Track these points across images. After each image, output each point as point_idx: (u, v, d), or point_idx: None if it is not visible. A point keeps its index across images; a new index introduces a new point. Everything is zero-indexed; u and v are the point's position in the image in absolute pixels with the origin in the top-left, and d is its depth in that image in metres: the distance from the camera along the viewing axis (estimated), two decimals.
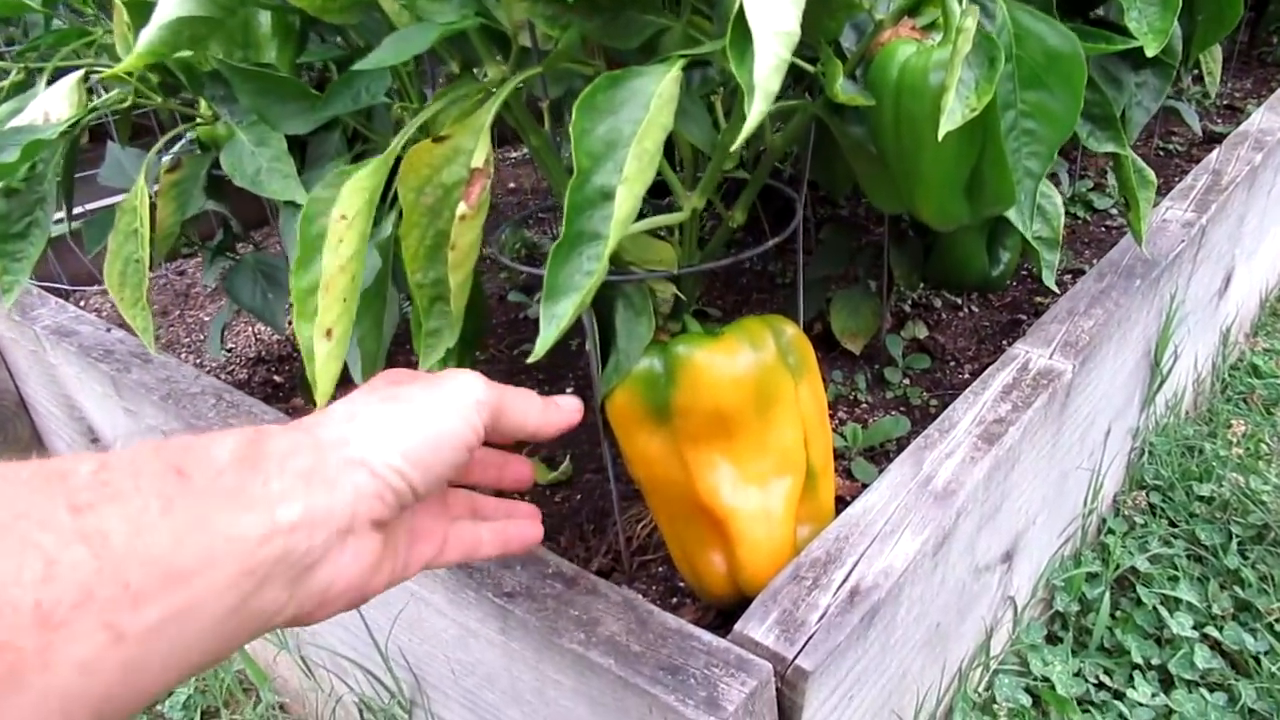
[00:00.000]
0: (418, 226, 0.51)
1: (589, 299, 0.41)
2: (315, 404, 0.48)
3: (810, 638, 0.52)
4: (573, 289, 0.41)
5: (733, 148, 0.39)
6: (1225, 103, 1.74)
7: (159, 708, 0.95)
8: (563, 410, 0.49)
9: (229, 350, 1.19)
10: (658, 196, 0.79)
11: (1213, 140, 1.57)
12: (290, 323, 1.16)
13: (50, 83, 0.76)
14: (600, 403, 0.64)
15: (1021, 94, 0.51)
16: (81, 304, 1.43)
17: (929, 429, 0.69)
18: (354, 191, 0.44)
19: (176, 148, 1.08)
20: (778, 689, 0.51)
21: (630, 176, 0.42)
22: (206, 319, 1.32)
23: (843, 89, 0.49)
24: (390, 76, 0.57)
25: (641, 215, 0.56)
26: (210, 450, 0.34)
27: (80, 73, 0.69)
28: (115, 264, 0.67)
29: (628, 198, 0.42)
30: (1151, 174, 0.85)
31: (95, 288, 1.43)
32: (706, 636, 0.52)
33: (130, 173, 0.96)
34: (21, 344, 1.09)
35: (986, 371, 0.75)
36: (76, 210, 1.26)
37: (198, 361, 1.20)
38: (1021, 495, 0.74)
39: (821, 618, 0.53)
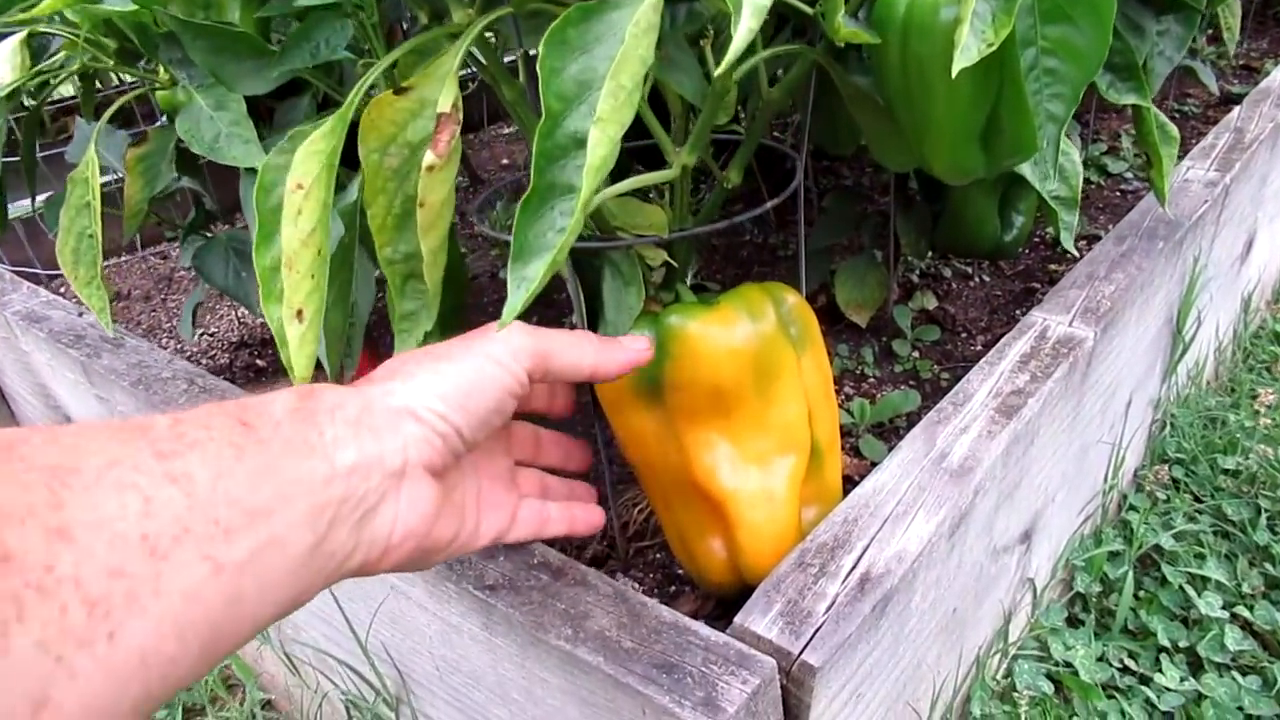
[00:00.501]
0: (383, 192, 0.46)
1: (561, 259, 0.36)
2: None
3: (817, 630, 0.47)
4: (544, 249, 0.36)
5: (719, 70, 0.34)
6: (1241, 63, 1.68)
7: None
8: (628, 350, 0.49)
9: (211, 335, 1.15)
10: (647, 163, 0.75)
11: (1229, 101, 1.52)
12: None
13: None
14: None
15: (1043, 29, 0.46)
16: (63, 290, 1.39)
17: (942, 402, 0.64)
18: (309, 156, 0.40)
19: (146, 137, 1.03)
20: (783, 686, 0.47)
21: (604, 116, 0.37)
22: (182, 300, 1.27)
23: (843, 24, 0.44)
24: (352, 30, 0.52)
25: (626, 177, 0.51)
26: (267, 406, 0.36)
27: (23, 33, 0.64)
28: (68, 240, 0.62)
29: (602, 141, 0.37)
30: (1174, 129, 0.80)
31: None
32: (704, 630, 0.48)
33: (103, 150, 0.92)
34: None
35: (1002, 340, 0.71)
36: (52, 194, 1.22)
37: (178, 347, 1.16)
38: (1041, 471, 0.70)
39: (829, 608, 0.49)
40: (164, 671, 0.29)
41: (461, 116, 0.42)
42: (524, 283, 0.36)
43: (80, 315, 0.95)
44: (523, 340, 0.44)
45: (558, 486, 0.55)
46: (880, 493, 0.56)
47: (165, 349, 0.84)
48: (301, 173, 0.40)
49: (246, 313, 1.18)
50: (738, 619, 0.49)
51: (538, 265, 0.36)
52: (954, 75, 0.41)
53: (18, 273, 1.09)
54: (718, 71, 0.35)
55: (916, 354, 0.93)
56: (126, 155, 0.82)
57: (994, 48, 0.41)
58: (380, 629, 0.65)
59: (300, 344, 0.39)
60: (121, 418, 0.34)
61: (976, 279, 1.08)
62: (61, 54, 0.64)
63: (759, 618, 0.48)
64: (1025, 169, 0.72)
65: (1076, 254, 0.79)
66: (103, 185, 0.68)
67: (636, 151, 0.69)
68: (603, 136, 0.35)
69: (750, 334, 0.52)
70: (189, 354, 1.12)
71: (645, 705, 0.45)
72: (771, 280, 0.59)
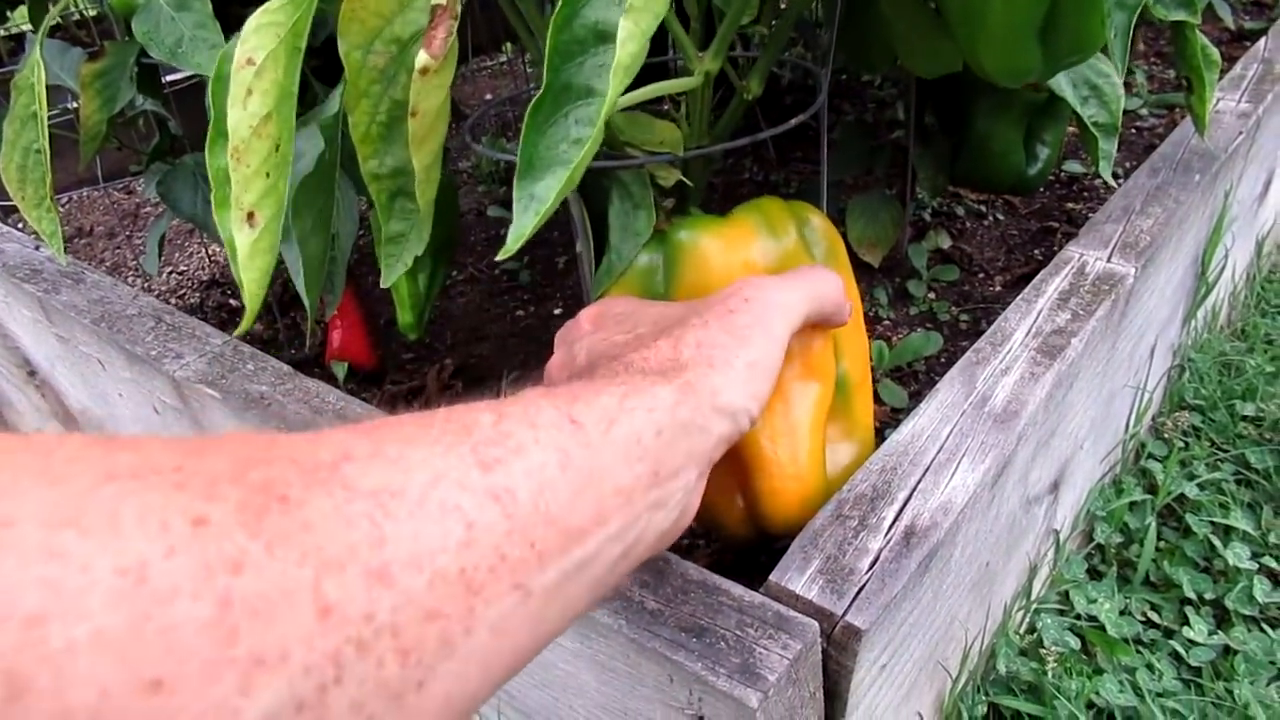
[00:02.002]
0: (367, 96, 0.40)
1: (578, 176, 0.31)
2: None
3: (861, 589, 0.43)
4: (556, 163, 0.30)
5: None
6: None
7: None
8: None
9: (180, 273, 1.08)
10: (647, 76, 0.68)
11: (1243, 37, 1.46)
12: None
13: None
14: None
15: None
16: (20, 226, 1.31)
17: (979, 343, 0.60)
18: (262, 27, 0.33)
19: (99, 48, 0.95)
20: (824, 651, 0.42)
21: (637, 4, 0.31)
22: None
23: None
24: None
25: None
26: (599, 398, 0.33)
27: None
28: (12, 156, 0.55)
29: (634, 34, 0.31)
30: (1215, 53, 0.75)
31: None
32: (737, 590, 0.43)
33: (52, 67, 0.84)
34: None
35: (1039, 276, 0.66)
36: None
37: (145, 286, 1.09)
38: (1075, 417, 0.66)
39: (873, 564, 0.44)
40: (463, 710, 0.26)
41: (460, 10, 0.36)
42: (533, 203, 0.31)
43: (37, 248, 0.88)
44: (804, 314, 0.43)
45: None
46: (920, 439, 0.52)
47: (122, 284, 0.77)
48: (253, 45, 0.33)
49: (218, 250, 1.11)
50: (774, 576, 0.44)
51: (550, 182, 0.31)
52: None
53: None
54: None
55: (933, 295, 0.88)
56: (81, 72, 0.75)
57: None
58: None
59: (251, 254, 0.33)
60: (445, 410, 0.30)
61: (990, 218, 1.03)
62: None
63: (796, 575, 0.44)
64: (1066, 90, 0.67)
65: (1114, 184, 0.74)
66: (60, 111, 0.61)
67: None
68: (634, 29, 0.29)
69: (769, 250, 0.47)
70: (157, 293, 1.05)
71: (674, 672, 0.41)
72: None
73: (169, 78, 0.89)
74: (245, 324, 0.33)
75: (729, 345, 0.39)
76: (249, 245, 0.33)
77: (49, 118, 0.66)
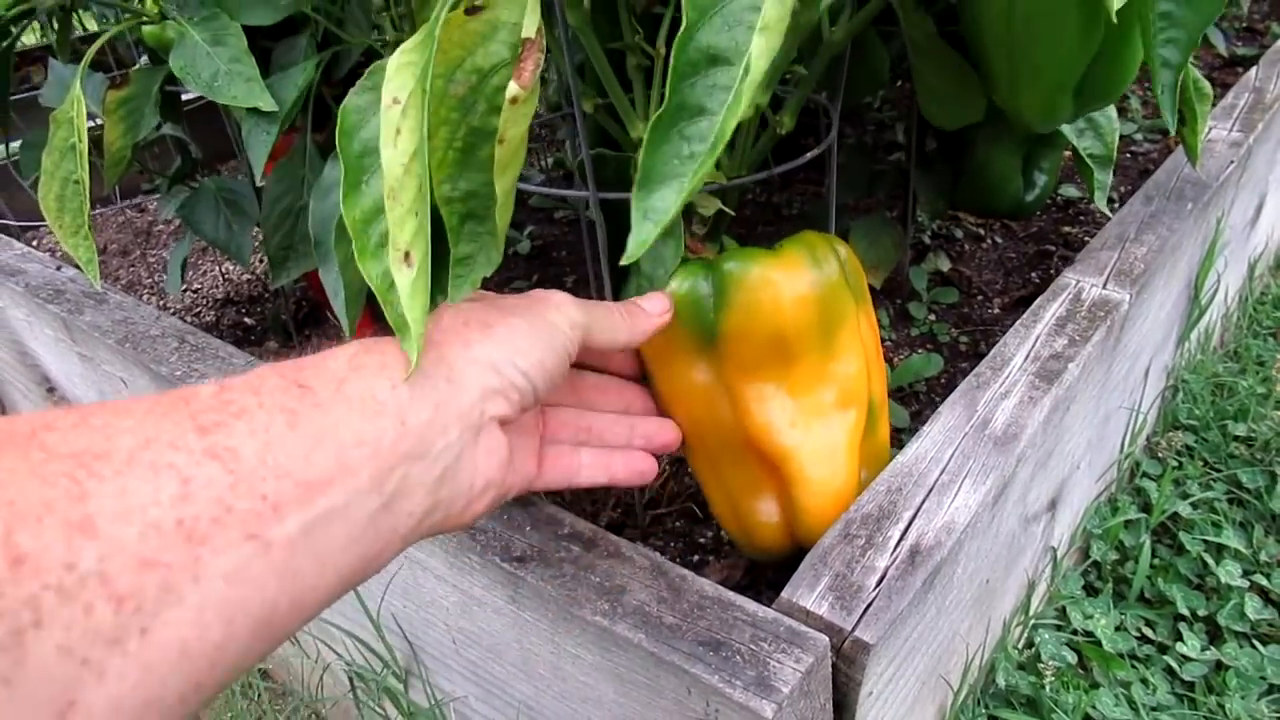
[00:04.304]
0: (446, 123, 0.41)
1: (694, 189, 0.33)
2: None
3: (869, 605, 0.45)
4: (672, 176, 0.32)
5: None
6: (1244, 25, 1.66)
7: None
8: (651, 315, 0.48)
9: (195, 291, 1.10)
10: None
11: (1235, 63, 1.50)
12: (260, 258, 1.06)
13: None
14: None
15: None
16: (34, 244, 1.33)
17: (979, 367, 0.62)
18: (403, 68, 0.35)
19: (125, 76, 0.97)
20: (834, 664, 0.45)
21: (769, 24, 0.32)
22: (170, 257, 1.22)
23: None
24: None
25: None
26: (327, 363, 0.34)
27: None
28: (51, 186, 0.58)
29: (765, 52, 0.32)
30: (1207, 86, 0.77)
31: (46, 223, 1.33)
32: (751, 606, 0.45)
33: None
34: None
35: (1036, 302, 0.68)
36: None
37: (162, 304, 1.11)
38: (1072, 438, 0.68)
39: (880, 582, 0.46)
40: (212, 659, 0.27)
41: (545, 43, 0.38)
42: (651, 215, 0.33)
43: (59, 269, 0.90)
44: (575, 314, 0.43)
45: (609, 431, 0.51)
46: (923, 460, 0.54)
47: (146, 304, 0.79)
48: (396, 85, 0.35)
49: (233, 268, 1.13)
50: (785, 593, 0.46)
51: (667, 195, 0.33)
52: (1113, 17, 0.38)
53: None
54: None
55: (933, 316, 0.90)
56: (106, 99, 0.77)
57: None
58: (391, 600, 0.62)
59: (413, 293, 0.34)
60: (165, 391, 0.30)
61: (989, 240, 1.05)
62: None
63: (807, 592, 0.46)
64: (1067, 129, 0.70)
65: (1109, 214, 0.77)
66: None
67: None
68: (765, 47, 0.31)
69: (817, 281, 0.50)
70: (173, 311, 1.08)
71: (691, 684, 0.43)
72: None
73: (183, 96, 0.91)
74: (414, 359, 0.35)
75: (489, 313, 0.40)
76: (410, 285, 0.34)
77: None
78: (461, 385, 0.37)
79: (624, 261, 0.34)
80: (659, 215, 0.33)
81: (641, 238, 0.33)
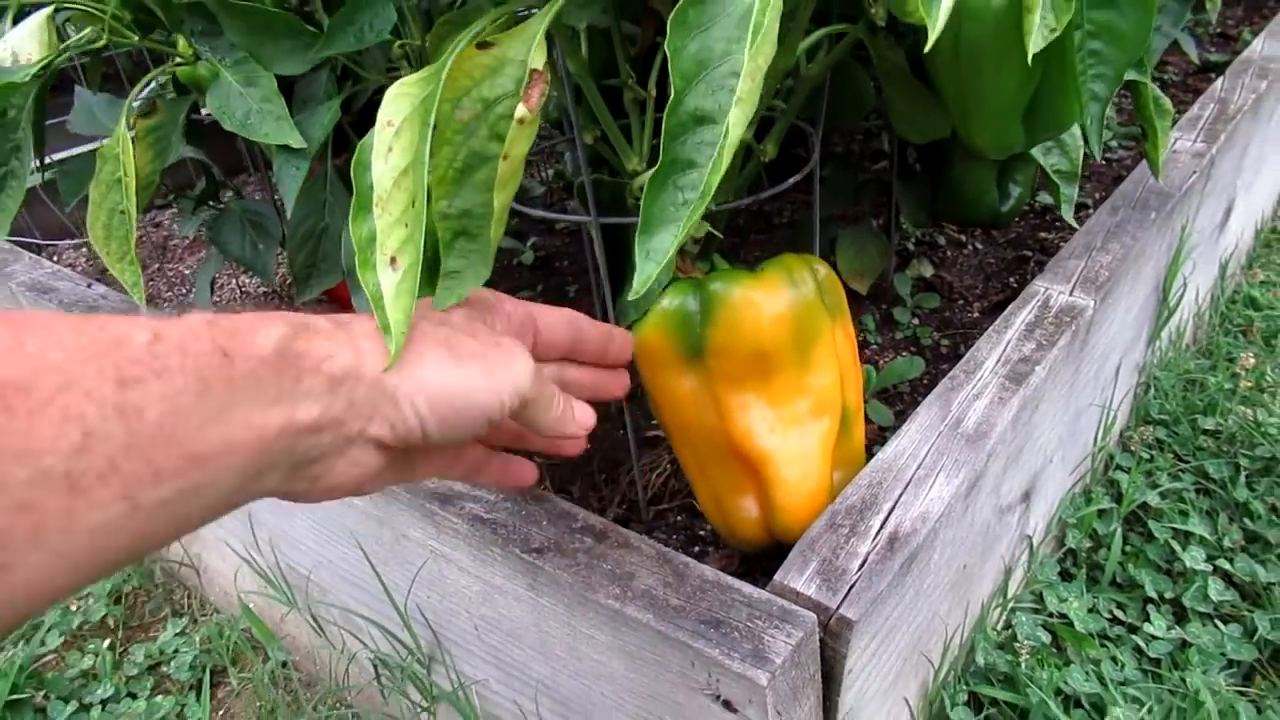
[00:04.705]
0: (449, 144, 0.46)
1: (688, 232, 0.38)
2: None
3: (852, 586, 0.50)
4: (668, 221, 0.38)
5: (802, 47, 0.36)
6: (1218, 30, 1.71)
7: (165, 669, 0.93)
8: (579, 429, 0.50)
9: (214, 303, 1.15)
10: None
11: (1208, 69, 1.55)
12: (280, 274, 1.11)
13: (16, 22, 0.71)
14: None
15: (1089, 13, 0.48)
16: (54, 259, 1.38)
17: (954, 370, 0.67)
18: (399, 96, 0.40)
19: (145, 91, 1.03)
20: (821, 639, 0.50)
21: (743, 96, 0.37)
22: (187, 272, 1.27)
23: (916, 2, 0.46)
24: (395, 13, 0.53)
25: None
26: (256, 336, 0.34)
27: (49, 9, 0.64)
28: (99, 216, 0.63)
29: (740, 120, 0.38)
30: (1168, 102, 0.83)
31: (68, 241, 1.38)
32: (747, 588, 0.50)
33: (101, 119, 0.91)
34: None
35: (1008, 309, 0.74)
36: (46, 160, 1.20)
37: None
38: (1042, 434, 0.74)
39: (862, 565, 0.52)
40: (47, 599, 0.29)
41: (550, 77, 0.44)
42: (652, 255, 0.38)
43: (89, 287, 0.95)
44: (529, 386, 0.43)
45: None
46: (901, 457, 0.59)
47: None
48: (391, 110, 0.40)
49: (249, 281, 1.18)
50: (777, 576, 0.51)
51: (664, 238, 0.38)
52: (1029, 59, 0.43)
53: (16, 242, 1.09)
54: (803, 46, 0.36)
55: (916, 321, 0.96)
56: (136, 126, 0.82)
57: (1057, 33, 0.43)
58: (417, 591, 0.67)
59: (395, 296, 0.39)
60: (112, 318, 0.31)
61: (970, 247, 1.11)
62: (89, 30, 0.64)
63: (797, 575, 0.51)
64: (1035, 149, 0.75)
65: (1075, 225, 0.82)
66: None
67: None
68: (742, 115, 0.37)
69: (793, 301, 0.55)
70: None
71: (695, 658, 0.48)
72: (767, 247, 0.62)
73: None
74: (393, 360, 0.39)
75: (428, 336, 0.40)
76: (393, 287, 0.39)
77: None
78: (356, 402, 0.37)
79: (630, 298, 0.39)
80: (659, 255, 0.38)
81: (645, 275, 0.38)
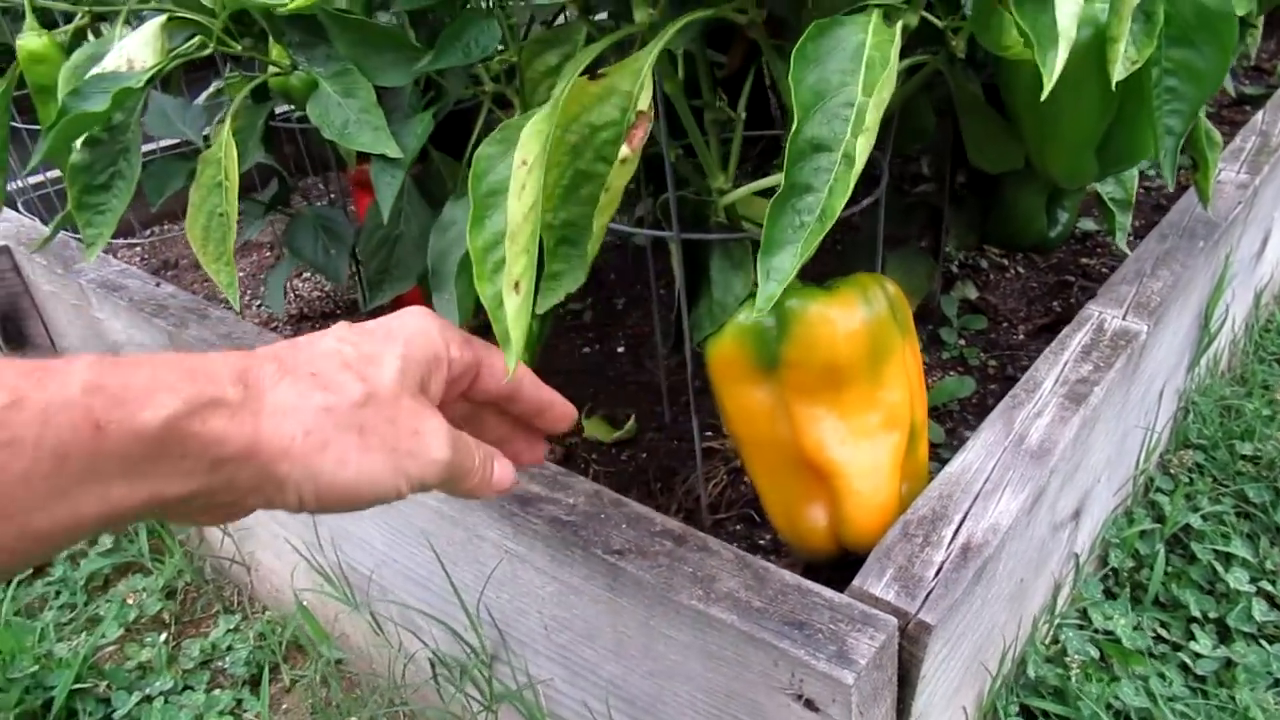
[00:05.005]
0: (558, 165, 0.49)
1: (809, 251, 0.40)
2: None
3: (930, 593, 0.52)
4: (787, 242, 0.40)
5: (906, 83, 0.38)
6: (1252, 64, 1.74)
7: (218, 664, 0.95)
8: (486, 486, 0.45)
9: (266, 307, 1.18)
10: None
11: (1243, 101, 1.57)
12: (354, 277, 1.14)
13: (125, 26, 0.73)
14: (665, 358, 0.64)
15: (1168, 51, 0.50)
16: (113, 256, 1.40)
17: (1014, 389, 0.69)
18: (533, 135, 0.43)
19: (203, 97, 1.06)
20: (899, 644, 0.52)
21: (869, 126, 0.40)
22: (240, 273, 1.30)
23: (1015, 38, 0.48)
24: (499, 30, 0.56)
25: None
26: (144, 410, 0.31)
27: (162, 18, 0.67)
28: (198, 218, 0.65)
29: (864, 150, 0.40)
30: (1218, 134, 0.85)
31: (122, 240, 1.41)
32: (827, 592, 0.52)
33: (175, 122, 0.94)
34: (63, 298, 1.07)
35: (1063, 331, 0.76)
36: None
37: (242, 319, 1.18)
38: (1094, 454, 0.75)
39: (938, 573, 0.54)
40: None
41: (653, 115, 0.46)
42: (773, 273, 0.40)
43: (158, 285, 0.98)
44: (432, 476, 0.40)
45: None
46: (969, 471, 0.61)
47: (244, 320, 0.87)
48: (526, 150, 0.43)
49: (303, 285, 1.21)
50: (855, 582, 0.53)
51: (784, 258, 0.40)
52: (1112, 86, 0.45)
53: (79, 239, 1.11)
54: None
55: (963, 341, 0.98)
56: (214, 131, 0.85)
57: (1138, 65, 0.45)
58: (486, 591, 0.69)
59: (516, 316, 0.42)
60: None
61: (1012, 271, 1.13)
62: (197, 39, 0.67)
63: (875, 581, 0.53)
64: (1103, 182, 0.77)
65: (1127, 251, 0.84)
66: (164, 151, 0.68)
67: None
68: (865, 145, 0.39)
69: (867, 318, 0.57)
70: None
71: (779, 658, 0.50)
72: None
73: None
74: (512, 370, 0.41)
75: (312, 402, 0.37)
76: (515, 309, 0.42)
77: (144, 153, 0.75)
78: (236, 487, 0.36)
79: (756, 311, 0.42)
80: (780, 275, 0.40)
81: (768, 293, 0.40)
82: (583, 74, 0.49)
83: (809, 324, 0.57)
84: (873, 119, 0.39)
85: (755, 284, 0.62)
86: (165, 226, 1.46)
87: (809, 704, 0.50)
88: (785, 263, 0.40)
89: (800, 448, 0.60)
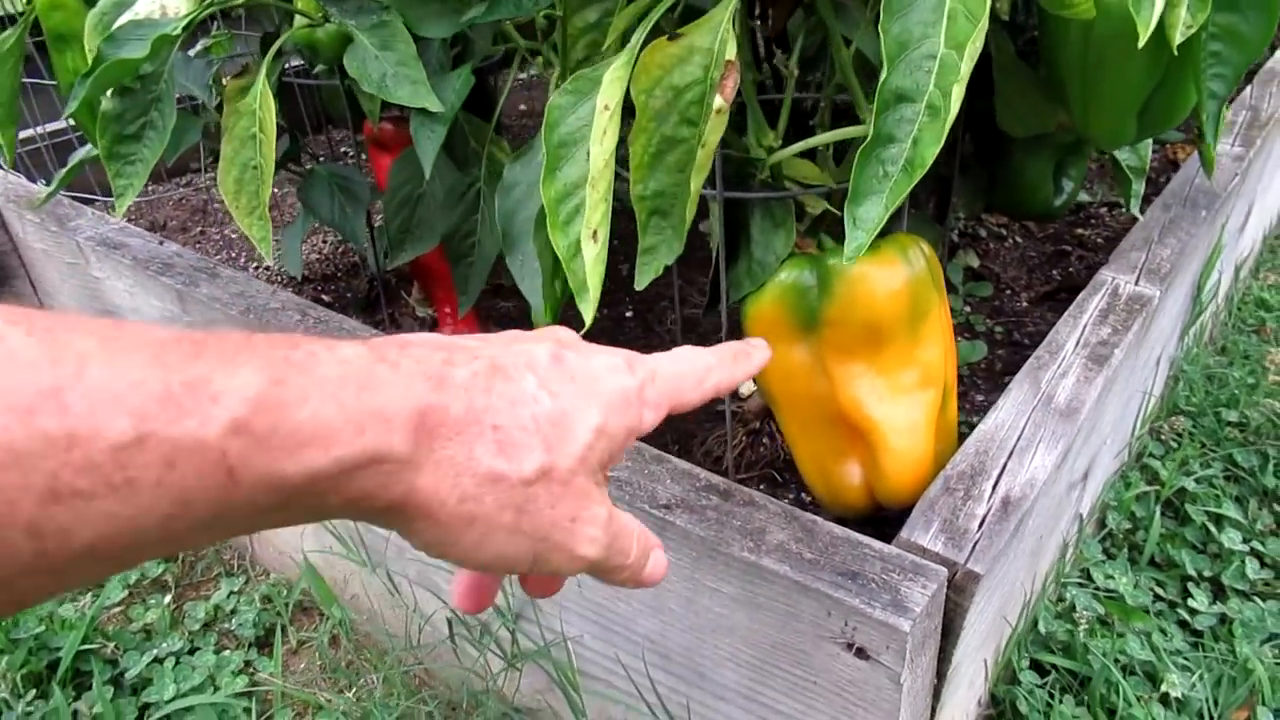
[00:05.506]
0: (644, 131, 0.49)
1: (895, 202, 0.41)
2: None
3: (975, 544, 0.54)
4: (872, 192, 0.40)
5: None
6: None
7: (224, 626, 0.94)
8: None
9: (267, 268, 1.16)
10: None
11: None
12: (324, 237, 1.12)
13: None
14: (676, 320, 0.65)
15: (1214, 15, 0.51)
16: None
17: (1038, 350, 0.71)
18: (614, 81, 0.43)
19: (191, 54, 1.03)
20: (945, 594, 0.53)
21: (963, 76, 0.40)
22: (233, 235, 1.27)
23: None
24: None
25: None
26: (289, 463, 0.26)
27: None
28: (230, 170, 0.64)
29: (957, 98, 0.41)
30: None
31: (104, 199, 1.37)
32: (876, 544, 0.54)
33: (180, 79, 0.92)
34: (56, 256, 1.04)
35: (1080, 295, 0.77)
36: None
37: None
38: (1107, 416, 0.78)
39: (981, 525, 0.55)
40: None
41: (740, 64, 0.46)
42: (860, 223, 0.40)
43: (160, 243, 0.96)
44: (571, 570, 0.36)
45: None
46: (1002, 429, 0.63)
47: (257, 279, 0.85)
48: (609, 95, 0.43)
49: (308, 248, 1.19)
50: (903, 533, 0.55)
51: (871, 208, 0.41)
52: (1174, 50, 0.46)
53: (74, 197, 1.08)
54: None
55: (968, 308, 1.00)
56: (227, 87, 0.83)
57: (1193, 30, 0.46)
58: None
59: (594, 265, 0.42)
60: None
61: (1010, 240, 1.15)
62: None
63: (922, 533, 0.54)
64: (1128, 149, 0.79)
65: (1139, 215, 0.87)
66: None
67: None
68: (958, 95, 0.40)
69: (907, 276, 0.58)
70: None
71: (832, 607, 0.51)
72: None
73: None
74: (589, 321, 0.41)
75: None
76: (594, 257, 0.42)
77: None
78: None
79: (845, 258, 0.42)
80: (867, 224, 0.41)
81: (857, 243, 0.41)
82: (650, 36, 0.49)
83: (852, 282, 0.58)
84: (964, 70, 0.39)
85: (795, 244, 0.64)
86: (150, 188, 1.42)
87: (860, 652, 0.51)
88: (872, 212, 0.41)
89: (838, 405, 0.61)
